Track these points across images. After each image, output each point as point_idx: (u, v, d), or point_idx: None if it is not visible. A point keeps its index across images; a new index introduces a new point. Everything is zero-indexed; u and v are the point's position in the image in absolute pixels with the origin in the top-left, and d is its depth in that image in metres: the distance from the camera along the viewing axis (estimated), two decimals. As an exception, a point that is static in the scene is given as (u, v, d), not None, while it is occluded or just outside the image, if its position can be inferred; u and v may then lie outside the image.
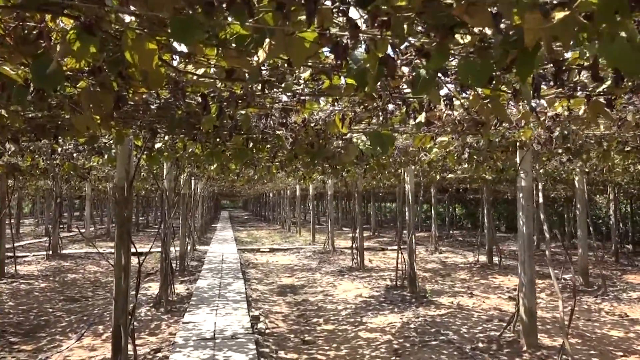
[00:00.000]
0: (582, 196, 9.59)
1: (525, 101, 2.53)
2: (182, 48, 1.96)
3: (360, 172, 7.01)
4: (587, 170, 8.89)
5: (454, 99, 2.53)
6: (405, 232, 20.72)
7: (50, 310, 7.45)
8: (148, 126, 3.51)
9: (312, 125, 3.11)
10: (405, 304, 7.71)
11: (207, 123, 2.65)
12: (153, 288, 8.73)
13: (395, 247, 16.98)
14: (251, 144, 3.89)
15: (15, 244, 16.98)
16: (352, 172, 6.92)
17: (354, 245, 11.67)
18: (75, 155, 5.13)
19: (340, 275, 10.64)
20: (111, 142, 4.91)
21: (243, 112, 2.98)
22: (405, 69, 2.02)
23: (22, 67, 2.09)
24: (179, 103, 2.56)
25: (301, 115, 2.79)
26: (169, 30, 1.55)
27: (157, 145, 5.14)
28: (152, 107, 2.68)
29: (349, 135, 3.90)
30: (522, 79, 1.61)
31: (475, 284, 9.79)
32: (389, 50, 1.72)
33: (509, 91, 2.38)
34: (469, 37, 1.67)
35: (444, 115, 2.81)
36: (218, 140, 4.08)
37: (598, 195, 20.01)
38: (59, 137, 3.77)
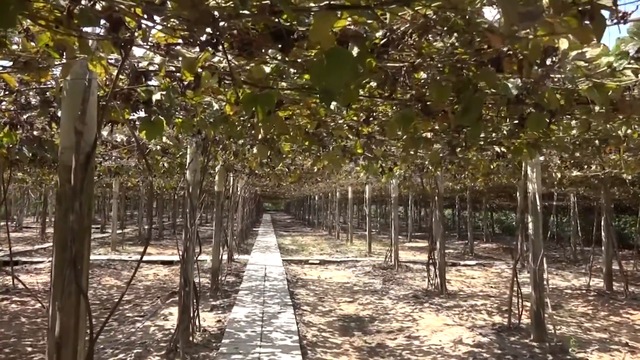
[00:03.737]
0: None
1: None
2: None
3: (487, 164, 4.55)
4: None
5: None
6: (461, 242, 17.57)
7: (29, 349, 5.33)
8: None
9: None
10: (539, 363, 5.12)
11: None
12: (173, 317, 6.50)
13: (472, 263, 14.01)
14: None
15: (38, 247, 15.37)
16: (480, 162, 4.46)
17: (431, 261, 9.10)
18: (17, 114, 2.91)
19: (418, 303, 8.10)
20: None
21: None
22: None
23: None
24: None
25: None
26: None
27: (156, 97, 2.82)
28: None
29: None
30: None
31: (610, 323, 7.05)
32: None
33: None
34: None
35: None
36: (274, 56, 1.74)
37: None
38: None
